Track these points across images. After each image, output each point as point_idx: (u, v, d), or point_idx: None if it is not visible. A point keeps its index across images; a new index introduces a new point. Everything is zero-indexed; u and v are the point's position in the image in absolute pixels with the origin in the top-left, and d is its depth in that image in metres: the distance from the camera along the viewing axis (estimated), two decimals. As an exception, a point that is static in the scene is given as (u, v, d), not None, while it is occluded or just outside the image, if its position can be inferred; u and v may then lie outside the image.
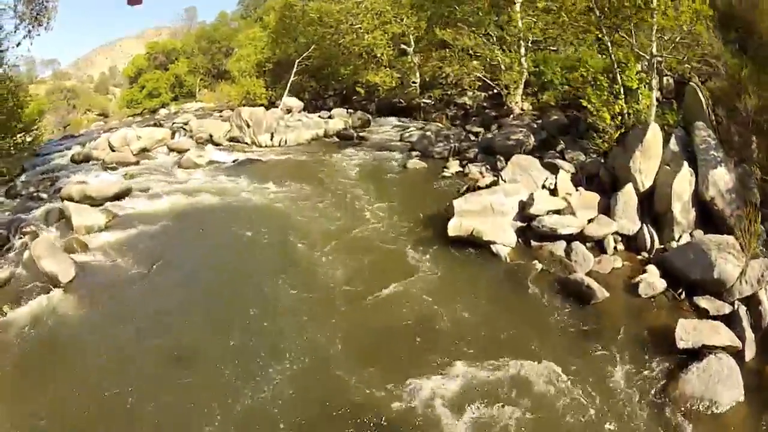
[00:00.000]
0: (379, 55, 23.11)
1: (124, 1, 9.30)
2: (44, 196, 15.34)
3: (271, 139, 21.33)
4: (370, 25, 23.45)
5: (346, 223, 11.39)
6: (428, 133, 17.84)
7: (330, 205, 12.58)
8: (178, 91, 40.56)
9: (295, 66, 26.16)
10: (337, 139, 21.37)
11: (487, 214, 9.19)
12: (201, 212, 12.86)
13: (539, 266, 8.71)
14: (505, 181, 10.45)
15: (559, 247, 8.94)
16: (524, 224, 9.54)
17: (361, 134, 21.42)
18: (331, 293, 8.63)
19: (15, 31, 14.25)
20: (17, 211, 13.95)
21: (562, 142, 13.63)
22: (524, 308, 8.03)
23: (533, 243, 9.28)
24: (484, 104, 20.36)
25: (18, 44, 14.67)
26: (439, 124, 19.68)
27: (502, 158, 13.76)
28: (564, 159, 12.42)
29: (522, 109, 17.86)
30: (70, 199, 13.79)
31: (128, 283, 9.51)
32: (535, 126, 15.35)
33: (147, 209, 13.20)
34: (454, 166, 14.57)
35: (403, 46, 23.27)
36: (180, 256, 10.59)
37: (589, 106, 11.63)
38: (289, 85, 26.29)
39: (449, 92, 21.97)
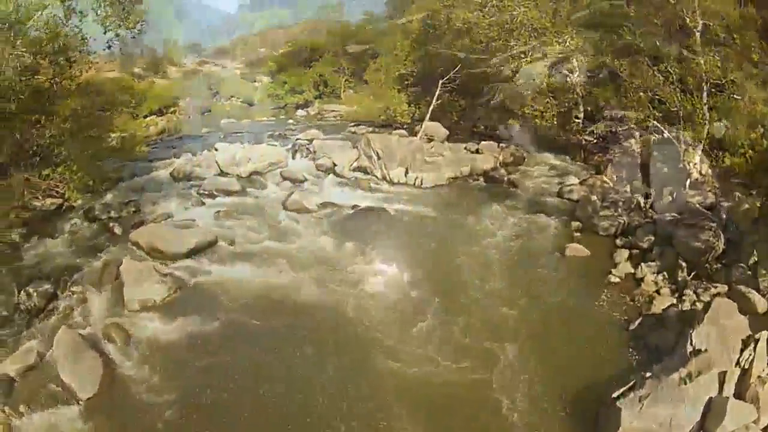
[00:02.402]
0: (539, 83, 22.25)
1: None
2: (117, 231, 15.09)
3: (405, 176, 20.40)
4: (527, 46, 22.53)
5: (473, 381, 10.02)
6: (593, 197, 17.22)
7: (453, 332, 11.31)
8: (323, 89, 42.28)
9: (439, 87, 25.59)
10: (483, 182, 20.52)
11: (662, 436, 8.44)
12: (288, 308, 11.52)
13: None
14: (694, 350, 9.48)
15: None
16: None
17: (512, 176, 20.76)
18: None
19: (105, 33, 14.47)
20: (81, 250, 13.88)
21: (755, 251, 12.45)
22: None
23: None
24: (655, 153, 18.86)
25: (109, 47, 15.10)
26: (604, 177, 18.82)
27: (684, 264, 13.00)
28: (758, 289, 11.43)
29: (701, 173, 16.29)
30: (138, 247, 13.68)
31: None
32: (723, 213, 14.09)
33: (221, 283, 12.19)
34: (623, 261, 13.98)
35: (564, 72, 22.13)
36: (240, 403, 9.17)
37: None
38: (431, 108, 25.53)
39: (614, 129, 20.63)
